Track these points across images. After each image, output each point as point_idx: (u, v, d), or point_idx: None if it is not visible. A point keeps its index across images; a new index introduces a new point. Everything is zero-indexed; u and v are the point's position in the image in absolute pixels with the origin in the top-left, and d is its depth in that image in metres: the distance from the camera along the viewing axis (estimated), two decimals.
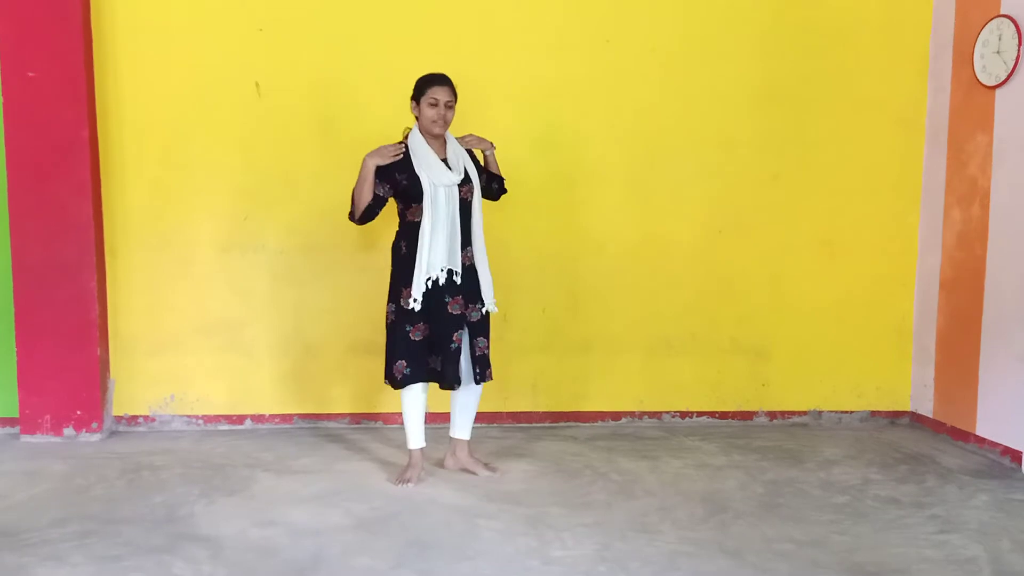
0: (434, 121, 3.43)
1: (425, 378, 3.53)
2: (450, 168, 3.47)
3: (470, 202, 3.53)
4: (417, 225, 3.45)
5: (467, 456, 3.74)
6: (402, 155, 3.45)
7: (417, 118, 3.50)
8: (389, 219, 4.36)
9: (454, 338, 3.49)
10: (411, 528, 3.10)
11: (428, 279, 3.44)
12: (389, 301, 3.57)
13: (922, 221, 4.69)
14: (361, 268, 4.44)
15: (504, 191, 3.82)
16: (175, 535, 3.00)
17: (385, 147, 3.46)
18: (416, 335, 3.48)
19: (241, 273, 4.42)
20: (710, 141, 4.57)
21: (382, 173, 3.45)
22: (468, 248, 3.54)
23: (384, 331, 3.58)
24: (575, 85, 4.48)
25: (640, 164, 4.55)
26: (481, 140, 3.71)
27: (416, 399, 3.57)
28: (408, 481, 3.56)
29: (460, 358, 3.53)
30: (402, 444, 4.14)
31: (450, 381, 3.52)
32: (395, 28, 4.36)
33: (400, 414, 4.46)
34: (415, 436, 3.61)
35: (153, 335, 4.39)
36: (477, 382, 3.62)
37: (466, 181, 3.51)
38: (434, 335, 3.50)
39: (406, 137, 3.53)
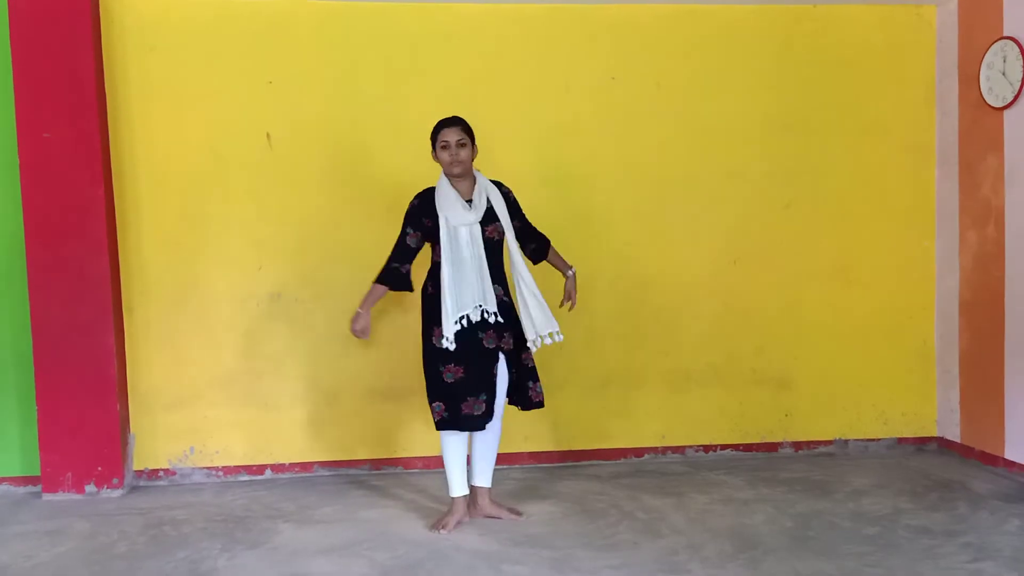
0: (449, 163, 3.48)
1: (462, 427, 3.46)
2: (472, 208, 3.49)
3: (497, 241, 3.55)
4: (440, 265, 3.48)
5: (488, 503, 3.67)
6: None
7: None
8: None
9: (493, 372, 3.49)
10: None
11: (461, 317, 3.43)
12: (422, 340, 3.56)
13: (938, 244, 4.67)
14: (377, 314, 4.44)
15: (543, 256, 3.83)
16: None
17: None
18: (448, 376, 3.45)
19: (257, 323, 4.43)
20: (720, 172, 4.58)
21: (414, 223, 3.53)
22: (497, 286, 3.53)
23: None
24: (584, 123, 4.51)
25: (652, 198, 4.56)
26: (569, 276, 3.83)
27: (457, 444, 3.54)
28: (444, 528, 3.50)
29: (497, 393, 3.51)
30: (424, 489, 4.14)
31: (487, 418, 3.48)
32: (402, 75, 4.42)
33: (422, 459, 4.49)
34: (457, 483, 3.56)
35: (171, 389, 4.40)
36: (535, 400, 3.59)
37: (490, 220, 3.52)
38: (471, 375, 3.45)
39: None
